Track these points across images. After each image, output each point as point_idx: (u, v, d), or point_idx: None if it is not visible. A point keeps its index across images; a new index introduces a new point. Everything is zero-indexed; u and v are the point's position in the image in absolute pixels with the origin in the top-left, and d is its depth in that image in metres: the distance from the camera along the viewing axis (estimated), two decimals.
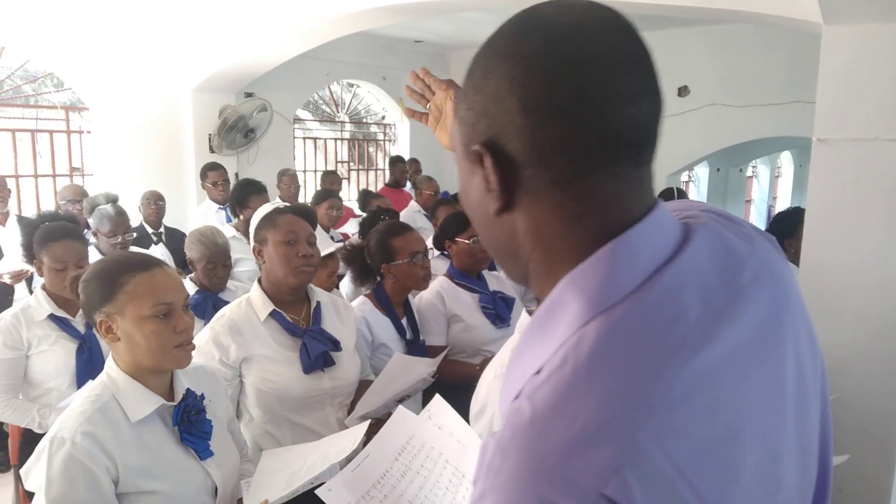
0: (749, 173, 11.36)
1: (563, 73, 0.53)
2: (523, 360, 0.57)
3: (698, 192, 9.85)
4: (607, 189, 0.55)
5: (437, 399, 1.34)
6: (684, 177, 9.49)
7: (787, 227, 2.95)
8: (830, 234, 2.45)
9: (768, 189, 12.02)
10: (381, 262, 2.26)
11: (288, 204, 2.05)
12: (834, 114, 2.41)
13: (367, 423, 1.54)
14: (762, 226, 11.62)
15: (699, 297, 0.53)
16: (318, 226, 4.04)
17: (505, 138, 0.55)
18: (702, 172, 9.75)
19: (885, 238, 2.35)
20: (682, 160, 6.42)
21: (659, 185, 5.95)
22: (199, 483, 1.37)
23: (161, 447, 1.33)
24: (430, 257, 2.34)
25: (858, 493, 2.43)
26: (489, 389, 1.33)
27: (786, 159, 12.20)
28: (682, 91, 6.19)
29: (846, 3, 2.26)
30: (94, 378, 1.39)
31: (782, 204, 11.89)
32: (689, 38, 6.05)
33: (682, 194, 4.95)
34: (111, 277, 1.32)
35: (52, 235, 2.24)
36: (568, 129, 0.53)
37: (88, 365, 2.15)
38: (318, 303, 1.90)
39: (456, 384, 1.91)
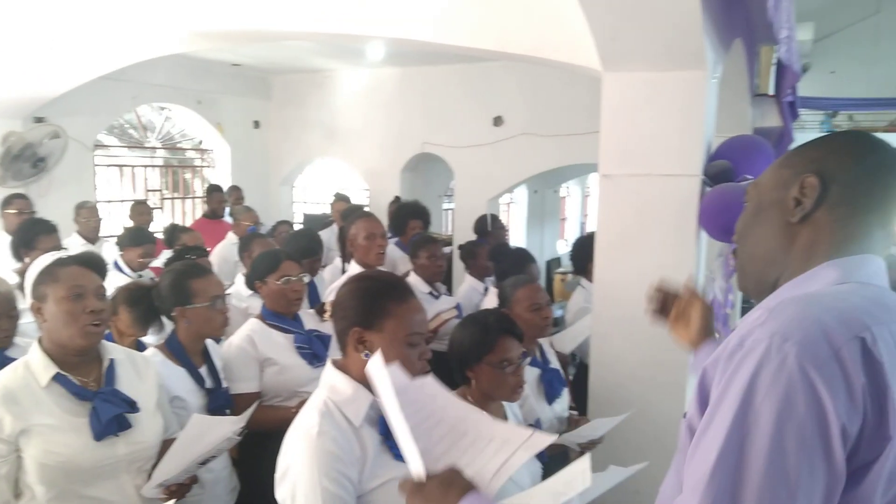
0: (563, 194, 12.33)
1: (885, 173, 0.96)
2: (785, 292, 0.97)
3: (519, 212, 10.49)
4: (862, 232, 0.96)
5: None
6: (507, 199, 10.06)
7: (588, 251, 3.23)
8: (617, 257, 2.73)
9: (580, 208, 13.13)
10: (175, 304, 2.10)
11: (71, 253, 1.85)
12: (615, 152, 2.69)
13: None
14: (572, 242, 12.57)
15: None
16: (127, 269, 3.76)
17: (830, 179, 0.95)
18: (521, 194, 10.40)
19: (661, 259, 2.65)
20: (500, 185, 6.81)
21: (481, 206, 6.27)
22: None
23: None
24: (242, 300, 2.23)
25: (654, 495, 2.70)
26: (292, 451, 1.32)
27: (593, 180, 13.42)
28: (497, 121, 6.58)
29: (621, 53, 2.54)
30: None
31: (592, 221, 13.02)
32: (504, 72, 6.46)
33: (495, 220, 5.26)
34: None
35: None
36: (870, 197, 0.95)
37: None
38: (112, 361, 1.74)
39: (271, 431, 1.84)
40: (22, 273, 3.19)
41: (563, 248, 11.61)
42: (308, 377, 2.35)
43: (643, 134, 2.64)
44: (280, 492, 1.31)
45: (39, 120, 5.10)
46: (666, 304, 1.58)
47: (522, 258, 3.32)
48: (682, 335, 1.55)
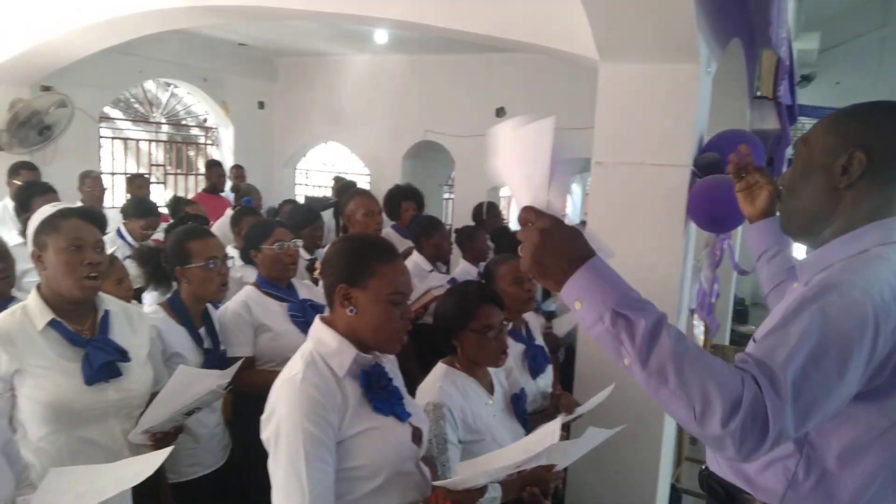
0: None
1: None
2: (830, 253, 1.17)
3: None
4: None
5: None
6: (507, 192, 10.11)
7: None
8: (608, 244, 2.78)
9: (580, 205, 13.17)
10: (176, 264, 2.17)
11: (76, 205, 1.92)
12: (609, 140, 2.75)
13: (167, 451, 1.48)
14: None
15: None
16: (130, 238, 3.83)
17: (875, 154, 1.13)
18: None
19: (652, 247, 2.71)
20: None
21: (481, 196, 6.32)
22: None
23: None
24: (234, 269, 2.29)
25: (634, 469, 2.78)
26: (277, 394, 1.39)
27: None
28: (500, 112, 6.63)
29: (616, 44, 2.59)
30: None
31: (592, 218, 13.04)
32: (507, 64, 6.50)
33: (492, 207, 5.31)
34: None
35: None
36: None
37: None
38: (107, 312, 1.81)
39: (260, 393, 1.91)
40: (24, 235, 3.27)
41: None
42: (300, 344, 2.41)
43: (636, 124, 2.70)
44: (265, 432, 1.38)
45: (46, 88, 5.15)
46: (740, 170, 1.76)
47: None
48: (744, 207, 1.75)
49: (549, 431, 1.50)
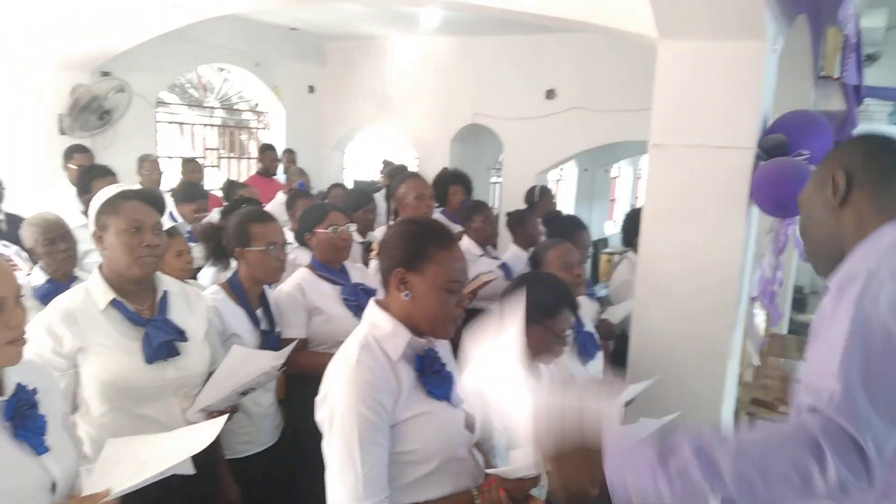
0: (614, 174, 12.13)
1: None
2: (854, 260, 1.22)
3: (568, 190, 10.39)
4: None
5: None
6: (556, 176, 9.97)
7: (636, 224, 3.21)
8: (663, 228, 2.70)
9: (631, 189, 12.89)
10: (237, 245, 2.21)
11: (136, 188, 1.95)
12: (667, 121, 2.65)
13: (222, 419, 1.51)
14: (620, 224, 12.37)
15: None
16: (181, 220, 3.92)
17: (853, 167, 1.28)
18: (571, 172, 10.29)
19: (711, 233, 2.62)
20: (550, 160, 6.75)
21: (530, 181, 6.24)
22: (35, 479, 1.30)
23: None
24: (288, 251, 2.31)
25: None
26: (332, 376, 1.40)
27: (646, 162, 13.12)
28: (550, 94, 6.51)
29: (678, 20, 2.49)
30: None
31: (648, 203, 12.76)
32: (557, 45, 6.37)
33: (544, 191, 5.22)
34: None
35: None
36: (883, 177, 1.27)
37: None
38: (166, 292, 1.84)
39: (315, 375, 1.92)
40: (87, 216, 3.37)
41: (612, 228, 11.45)
42: (353, 328, 2.40)
43: (697, 104, 2.59)
44: (320, 414, 1.39)
45: (106, 74, 5.29)
46: None
47: (572, 224, 3.36)
48: None
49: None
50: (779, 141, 2.66)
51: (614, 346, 3.45)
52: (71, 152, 4.37)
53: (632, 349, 2.83)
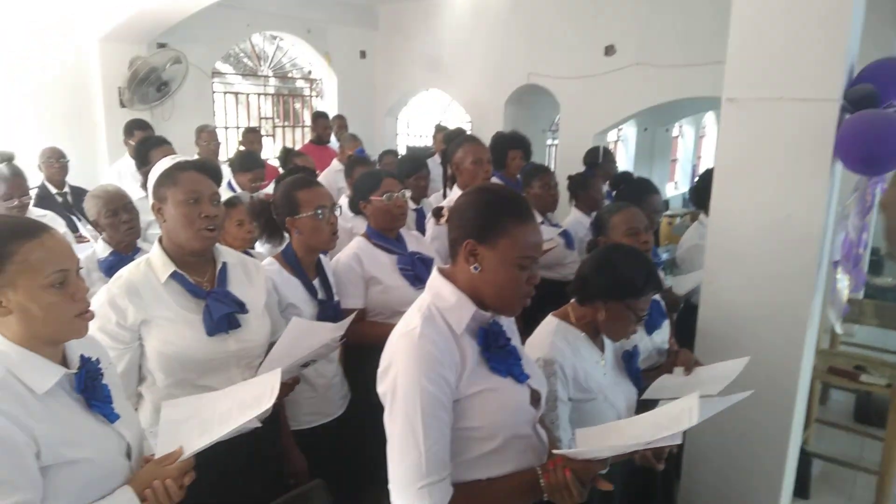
0: (675, 133, 11.68)
1: None
2: None
3: (626, 150, 10.06)
4: None
5: None
6: (613, 136, 9.66)
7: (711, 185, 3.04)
8: (736, 188, 2.53)
9: (693, 148, 12.41)
10: (286, 215, 2.16)
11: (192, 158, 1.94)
12: (743, 73, 2.46)
13: (278, 371, 1.49)
14: (687, 184, 11.97)
15: None
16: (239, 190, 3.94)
17: None
18: (630, 132, 9.95)
19: (785, 192, 2.44)
20: (608, 119, 6.51)
21: (588, 142, 6.04)
22: (114, 446, 1.33)
23: (72, 415, 1.27)
24: (339, 215, 2.25)
25: (759, 438, 2.59)
26: (394, 348, 1.34)
27: (710, 119, 12.59)
28: (609, 50, 6.24)
29: None
30: None
31: (706, 163, 12.30)
32: None
33: (607, 153, 5.02)
34: None
35: None
36: None
37: None
38: (225, 264, 1.83)
39: (372, 345, 1.89)
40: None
41: (672, 190, 11.08)
42: (410, 298, 2.35)
43: (776, 53, 2.39)
44: (381, 386, 1.34)
45: (162, 46, 5.34)
46: None
47: (644, 187, 3.19)
48: None
49: (687, 408, 1.36)
50: (867, 91, 2.43)
51: (679, 315, 3.32)
52: (131, 128, 4.44)
53: (701, 318, 2.70)
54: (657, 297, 2.44)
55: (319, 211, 2.13)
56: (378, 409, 1.36)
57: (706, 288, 2.68)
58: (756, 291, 2.53)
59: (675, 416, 1.37)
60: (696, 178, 3.69)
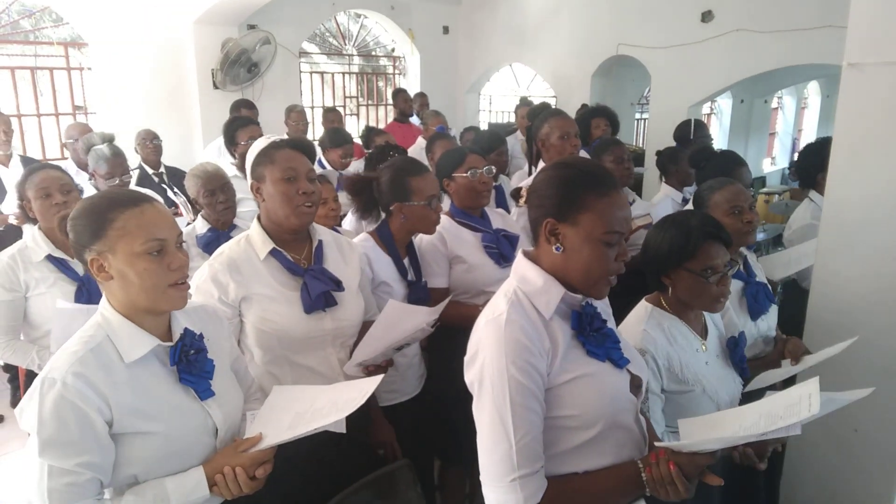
0: (774, 105, 10.98)
1: None
2: None
3: (721, 124, 9.55)
4: None
5: None
6: (706, 108, 9.19)
7: (819, 159, 2.81)
8: (858, 165, 2.32)
9: (793, 121, 11.63)
10: (394, 199, 2.13)
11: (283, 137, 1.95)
12: (867, 36, 2.23)
13: (378, 378, 1.48)
14: (786, 159, 11.26)
15: None
16: (329, 167, 3.99)
17: None
18: (725, 104, 9.43)
19: None
20: (704, 90, 6.17)
21: (680, 115, 5.75)
22: (198, 423, 1.35)
23: (158, 388, 1.30)
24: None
25: (874, 433, 2.39)
26: (481, 335, 1.28)
27: (813, 89, 11.75)
28: (706, 16, 5.88)
29: None
30: None
31: (807, 137, 11.51)
32: None
33: (700, 126, 4.76)
34: (100, 214, 1.27)
35: (32, 169, 2.27)
36: None
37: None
38: (321, 242, 1.84)
39: (457, 326, 1.85)
40: (240, 167, 3.51)
41: (769, 166, 10.46)
42: (495, 277, 2.33)
43: None
44: (469, 375, 1.29)
45: (252, 27, 5.47)
46: None
47: (730, 161, 2.93)
48: None
49: (805, 395, 1.23)
50: None
51: (782, 298, 3.10)
52: (238, 106, 4.56)
53: (812, 303, 2.51)
54: (764, 279, 2.28)
55: (432, 202, 2.12)
56: (456, 389, 1.33)
57: (819, 271, 2.48)
58: (876, 279, 2.32)
59: (792, 404, 1.25)
60: (798, 153, 3.41)
